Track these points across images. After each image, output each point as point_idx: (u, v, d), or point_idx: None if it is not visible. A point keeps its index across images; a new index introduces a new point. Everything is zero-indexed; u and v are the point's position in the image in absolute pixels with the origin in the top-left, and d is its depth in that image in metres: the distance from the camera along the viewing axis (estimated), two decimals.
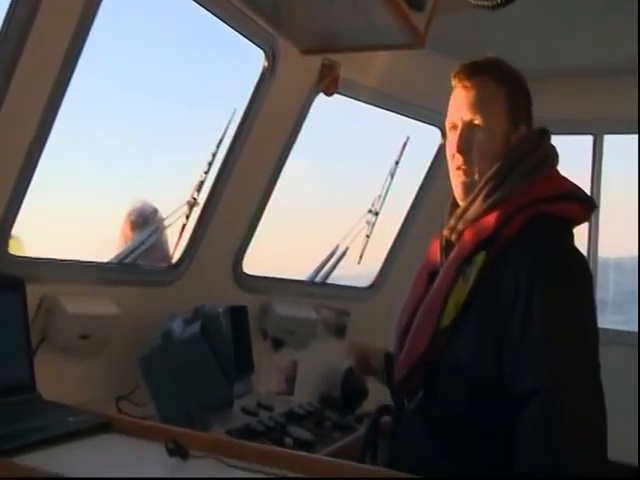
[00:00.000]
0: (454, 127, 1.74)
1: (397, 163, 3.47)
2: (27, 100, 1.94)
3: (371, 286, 3.70)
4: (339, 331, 3.45)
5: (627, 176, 3.63)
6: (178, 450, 1.50)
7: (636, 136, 3.38)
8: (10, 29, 1.83)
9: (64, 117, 2.03)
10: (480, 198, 1.67)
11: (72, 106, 2.07)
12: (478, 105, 1.70)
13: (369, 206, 3.48)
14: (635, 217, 3.39)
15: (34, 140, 1.97)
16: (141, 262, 2.66)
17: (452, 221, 1.73)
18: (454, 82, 1.74)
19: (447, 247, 1.76)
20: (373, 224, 3.47)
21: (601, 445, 1.47)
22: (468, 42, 2.97)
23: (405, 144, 3.48)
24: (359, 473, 1.48)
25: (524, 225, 1.61)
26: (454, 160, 1.74)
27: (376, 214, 3.47)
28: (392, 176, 3.47)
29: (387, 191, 3.47)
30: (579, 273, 1.62)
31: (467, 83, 1.71)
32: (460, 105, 1.72)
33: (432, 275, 1.79)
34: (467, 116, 1.70)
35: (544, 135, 1.77)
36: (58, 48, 1.95)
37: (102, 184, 2.81)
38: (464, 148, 1.70)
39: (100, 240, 2.75)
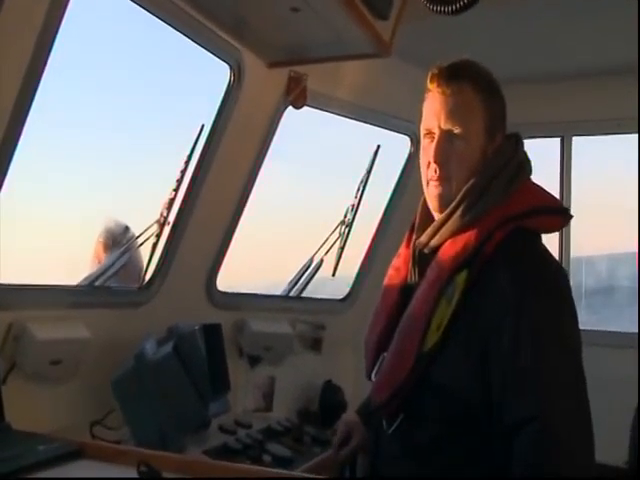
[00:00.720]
0: (429, 134, 1.67)
1: (368, 172, 3.44)
2: None
3: (345, 298, 3.68)
4: (315, 345, 3.42)
5: (594, 176, 3.69)
6: (150, 473, 1.47)
7: (602, 137, 3.44)
8: None
9: (28, 138, 2.00)
10: (458, 212, 1.62)
11: (35, 126, 2.04)
12: (457, 113, 1.63)
13: (341, 217, 3.47)
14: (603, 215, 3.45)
15: None
16: (114, 283, 2.62)
17: (427, 234, 1.68)
18: (431, 86, 1.67)
19: (420, 258, 1.71)
20: (347, 235, 3.45)
21: (589, 461, 1.47)
22: (435, 50, 2.95)
23: (376, 152, 3.46)
24: None
25: (504, 240, 1.58)
26: (429, 170, 1.67)
27: (349, 225, 3.46)
28: (364, 186, 3.44)
29: (359, 201, 3.45)
30: (562, 288, 1.61)
31: (446, 89, 1.64)
32: (438, 112, 1.65)
33: (405, 289, 1.75)
34: (446, 124, 1.63)
35: (517, 143, 1.73)
36: (18, 70, 1.91)
37: (70, 203, 2.77)
38: (441, 159, 1.64)
39: (71, 262, 2.70)
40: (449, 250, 1.62)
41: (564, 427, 1.44)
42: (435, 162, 1.64)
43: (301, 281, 3.40)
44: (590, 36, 2.91)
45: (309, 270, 3.40)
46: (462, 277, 1.56)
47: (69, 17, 1.97)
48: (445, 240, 1.64)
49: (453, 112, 1.64)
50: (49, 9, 1.91)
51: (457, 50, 2.76)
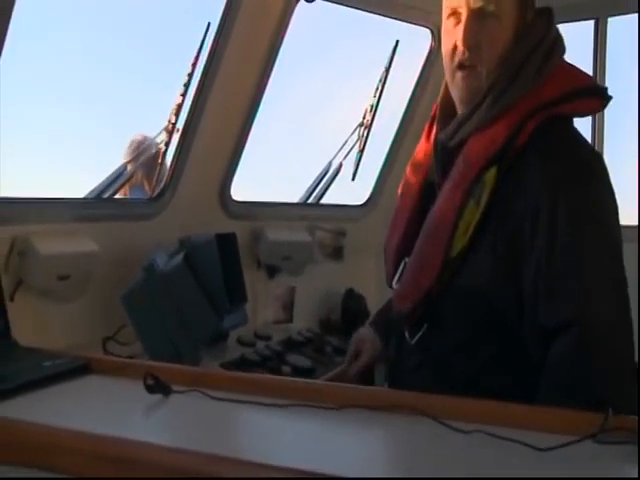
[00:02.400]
0: (455, 14, 1.51)
1: (387, 70, 3.26)
2: None
3: (366, 203, 3.57)
4: (336, 253, 3.34)
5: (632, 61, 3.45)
6: (159, 386, 1.41)
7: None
8: None
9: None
10: (487, 103, 1.49)
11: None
12: None
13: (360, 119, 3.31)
14: None
15: None
16: (139, 195, 2.53)
17: (451, 127, 1.55)
18: None
19: (443, 154, 1.59)
20: (365, 138, 3.30)
21: (633, 362, 1.40)
22: None
23: (395, 48, 3.26)
24: (348, 394, 1.39)
25: (536, 130, 1.45)
26: (455, 55, 1.52)
27: (368, 127, 3.30)
28: (383, 84, 3.27)
29: (378, 101, 3.29)
30: (601, 167, 1.49)
31: None
32: None
33: (426, 188, 1.63)
34: (476, 2, 1.47)
35: (549, 19, 1.56)
36: None
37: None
38: (472, 42, 1.49)
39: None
40: (476, 145, 1.49)
41: (606, 332, 1.36)
42: (464, 45, 1.49)
43: (320, 187, 3.28)
44: None
45: (327, 175, 3.28)
46: (491, 175, 1.44)
47: None
48: (471, 133, 1.51)
49: None
50: None
51: None
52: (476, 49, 1.49)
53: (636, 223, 3.02)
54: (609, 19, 3.31)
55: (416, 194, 1.66)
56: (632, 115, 3.26)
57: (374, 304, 3.19)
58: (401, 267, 1.65)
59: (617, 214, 1.48)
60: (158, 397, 1.39)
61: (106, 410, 1.42)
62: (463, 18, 1.49)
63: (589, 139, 3.29)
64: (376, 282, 3.38)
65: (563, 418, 1.19)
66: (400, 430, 1.26)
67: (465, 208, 1.46)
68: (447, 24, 1.54)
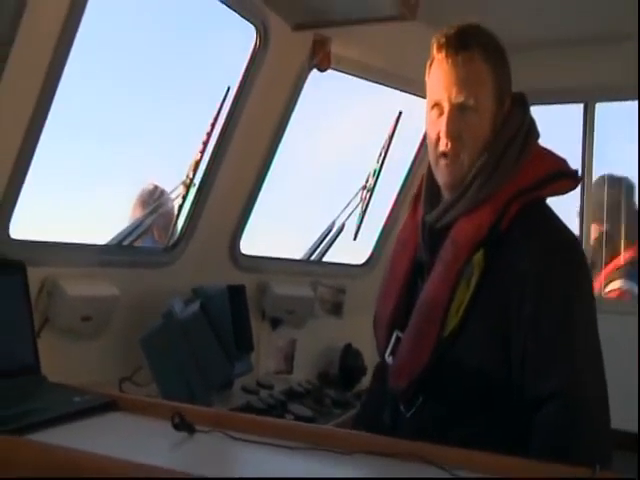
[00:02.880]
0: (438, 106, 1.61)
1: (390, 138, 3.45)
2: (26, 77, 1.92)
3: (366, 263, 3.71)
4: (336, 308, 3.46)
5: (619, 144, 3.65)
6: (184, 425, 1.50)
7: (628, 102, 3.39)
8: None
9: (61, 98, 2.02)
10: (472, 190, 1.60)
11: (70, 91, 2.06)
12: (468, 84, 1.57)
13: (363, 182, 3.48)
14: None
15: (34, 116, 1.96)
16: (147, 244, 2.65)
17: (438, 210, 1.66)
18: (439, 55, 1.61)
19: (431, 235, 1.68)
20: (368, 200, 3.47)
21: (610, 437, 1.50)
22: (459, 13, 2.96)
23: (398, 118, 3.46)
24: (361, 441, 1.48)
25: (519, 214, 1.57)
26: (438, 145, 1.61)
27: (370, 190, 3.47)
28: (386, 151, 3.45)
29: (381, 166, 3.46)
30: (578, 255, 1.61)
31: (455, 58, 1.58)
32: (448, 83, 1.59)
33: (414, 264, 1.73)
34: (457, 97, 1.58)
35: (524, 105, 1.69)
36: (49, 41, 1.93)
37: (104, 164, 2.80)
38: (454, 134, 1.59)
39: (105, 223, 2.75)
40: (464, 229, 1.60)
41: (588, 403, 1.47)
42: (447, 137, 1.59)
43: (322, 245, 3.43)
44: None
45: (330, 234, 3.43)
46: (480, 256, 1.54)
47: None
48: (458, 217, 1.62)
49: (464, 83, 1.58)
50: None
51: (480, 14, 2.75)
52: (458, 140, 1.59)
53: None
54: (597, 104, 3.51)
55: (405, 269, 1.74)
56: None
57: (371, 360, 3.31)
58: (393, 339, 1.72)
59: (592, 292, 1.61)
60: (183, 435, 1.48)
61: (133, 443, 1.51)
62: (445, 111, 1.59)
63: None
64: (373, 339, 3.49)
65: (559, 471, 1.27)
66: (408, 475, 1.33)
67: (456, 289, 1.56)
68: (431, 114, 1.64)
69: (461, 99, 1.58)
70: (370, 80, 3.36)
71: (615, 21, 3.09)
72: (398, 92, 3.48)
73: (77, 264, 2.30)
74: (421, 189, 1.77)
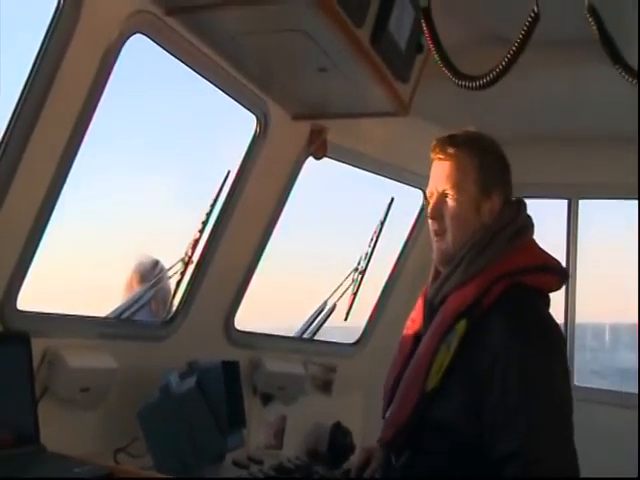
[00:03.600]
0: (430, 196, 1.90)
1: (382, 223, 3.59)
2: (41, 159, 2.03)
3: (357, 342, 3.79)
4: (326, 387, 3.51)
5: (602, 241, 3.78)
6: None
7: (610, 201, 3.54)
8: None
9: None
10: (462, 266, 1.81)
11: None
12: (450, 176, 1.85)
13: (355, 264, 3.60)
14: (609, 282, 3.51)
15: (45, 198, 2.07)
16: (146, 315, 2.73)
17: (435, 287, 1.88)
18: (432, 155, 1.91)
19: (430, 311, 1.89)
20: (359, 282, 3.58)
21: None
22: (450, 109, 3.14)
23: (390, 204, 3.62)
24: None
25: (502, 294, 1.75)
26: (431, 226, 1.89)
27: (362, 272, 3.58)
28: (377, 235, 3.59)
29: (372, 250, 3.59)
30: (553, 343, 1.76)
31: (441, 155, 1.88)
32: (435, 176, 1.89)
33: (417, 338, 1.91)
34: (440, 186, 1.86)
35: (520, 206, 1.91)
36: (71, 112, 2.06)
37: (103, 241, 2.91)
38: (436, 215, 1.87)
39: (104, 294, 2.83)
40: (452, 301, 1.80)
41: (547, 465, 1.58)
42: (431, 218, 1.88)
43: (314, 324, 3.51)
44: (602, 101, 3.05)
45: (322, 314, 3.52)
46: (461, 325, 1.73)
47: None
48: (450, 292, 1.82)
49: (446, 175, 1.86)
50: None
51: (472, 110, 2.92)
52: (440, 220, 1.87)
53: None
54: (580, 201, 3.68)
55: (410, 343, 1.94)
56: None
57: (360, 438, 3.36)
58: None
59: (567, 379, 1.75)
60: None
61: None
62: (433, 198, 1.90)
63: None
64: (362, 417, 3.56)
65: None
66: None
67: (439, 352, 1.74)
68: (428, 204, 1.93)
69: (442, 187, 1.86)
70: (364, 169, 3.51)
71: (602, 122, 3.27)
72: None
73: (78, 336, 2.38)
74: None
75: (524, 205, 1.93)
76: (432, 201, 1.89)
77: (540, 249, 1.88)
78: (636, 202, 3.46)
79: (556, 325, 1.82)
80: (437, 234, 1.87)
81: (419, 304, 2.01)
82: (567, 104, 3.16)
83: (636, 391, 3.31)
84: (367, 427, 3.46)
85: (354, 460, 2.18)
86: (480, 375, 1.68)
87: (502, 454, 1.61)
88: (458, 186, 1.84)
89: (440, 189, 1.86)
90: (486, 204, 1.86)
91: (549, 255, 1.88)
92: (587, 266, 3.52)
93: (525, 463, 1.58)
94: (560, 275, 1.89)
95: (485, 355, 1.68)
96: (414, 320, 1.99)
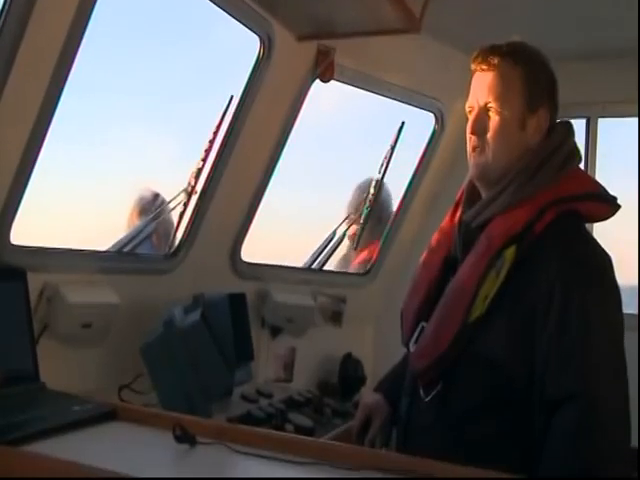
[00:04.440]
0: (471, 110, 1.75)
1: (392, 148, 3.46)
2: (27, 90, 1.91)
3: (367, 272, 3.70)
4: (336, 318, 3.46)
5: (621, 161, 3.64)
6: (185, 437, 1.50)
7: (631, 119, 3.39)
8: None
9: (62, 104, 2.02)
10: (511, 189, 1.67)
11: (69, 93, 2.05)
12: (493, 88, 1.70)
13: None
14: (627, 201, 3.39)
15: (35, 126, 1.95)
16: (147, 249, 2.65)
17: (476, 208, 1.74)
18: (473, 66, 1.75)
19: (467, 233, 1.76)
20: (369, 210, 3.47)
21: (628, 443, 1.52)
22: (463, 27, 3.00)
23: (400, 129, 3.46)
24: (365, 456, 1.50)
25: (554, 221, 1.62)
26: (470, 142, 1.75)
27: (372, 200, 3.47)
28: (388, 162, 3.46)
29: (383, 176, 3.47)
30: (610, 278, 1.64)
31: (484, 66, 1.72)
32: (476, 88, 1.74)
33: (449, 260, 1.79)
34: (482, 99, 1.72)
35: (570, 129, 1.78)
36: (56, 39, 1.92)
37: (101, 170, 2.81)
38: (478, 130, 1.72)
39: (102, 228, 2.75)
40: (499, 225, 1.66)
41: (607, 409, 1.49)
42: (471, 133, 1.74)
43: (323, 254, 3.43)
44: (621, 15, 2.88)
45: (331, 243, 3.43)
46: (511, 252, 1.60)
47: None
48: (495, 215, 1.69)
49: (489, 86, 1.71)
50: None
51: (486, 28, 2.76)
52: (482, 136, 1.72)
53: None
54: (600, 119, 3.53)
55: (437, 266, 1.81)
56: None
57: (371, 370, 3.32)
58: (418, 330, 1.77)
59: (620, 312, 1.62)
60: (184, 447, 1.48)
61: (134, 455, 1.51)
62: (474, 112, 1.75)
63: None
64: (373, 348, 3.52)
65: None
66: None
67: (486, 278, 1.61)
68: (469, 118, 1.77)
69: (484, 100, 1.71)
70: (373, 92, 3.35)
71: (620, 38, 3.10)
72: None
73: (77, 270, 2.30)
74: (461, 195, 1.86)
75: (572, 128, 1.79)
76: (473, 115, 1.73)
77: (591, 177, 1.78)
78: None
79: (609, 257, 1.69)
80: (475, 149, 1.73)
81: (447, 226, 1.86)
82: (585, 17, 2.98)
83: None
84: (378, 358, 3.43)
85: (353, 421, 2.02)
86: (533, 307, 1.55)
87: (559, 394, 1.50)
88: (502, 98, 1.69)
89: (482, 102, 1.71)
90: (532, 120, 1.71)
91: (599, 182, 1.76)
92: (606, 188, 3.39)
93: (585, 406, 1.47)
94: (612, 204, 1.74)
95: (540, 287, 1.56)
96: (440, 242, 1.86)
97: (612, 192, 1.74)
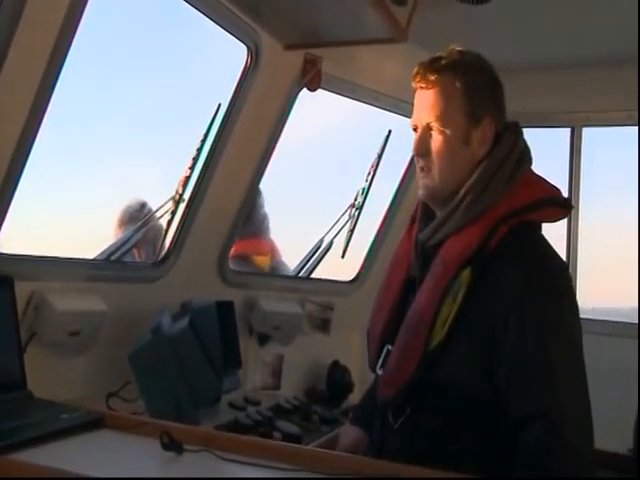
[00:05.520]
0: (415, 129, 1.72)
1: (379, 156, 3.47)
2: (16, 94, 1.92)
3: (354, 280, 3.72)
4: (323, 325, 3.47)
5: (606, 170, 3.68)
6: (173, 444, 1.50)
7: (615, 128, 3.44)
8: None
9: (52, 112, 2.03)
10: (462, 207, 1.65)
11: (59, 100, 2.06)
12: (433, 106, 1.67)
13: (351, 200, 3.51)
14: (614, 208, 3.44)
15: (22, 136, 1.96)
16: (131, 258, 2.66)
17: (430, 228, 1.71)
18: (413, 83, 1.71)
19: (423, 252, 1.74)
20: (357, 218, 3.49)
21: (592, 446, 1.53)
22: (450, 36, 3.00)
23: (387, 137, 3.49)
24: (351, 463, 1.50)
25: (507, 235, 1.61)
26: (417, 162, 1.72)
27: (359, 208, 3.49)
28: (375, 170, 3.48)
29: (370, 184, 3.49)
30: (564, 283, 1.64)
31: (423, 84, 1.69)
32: (418, 107, 1.71)
33: (407, 281, 1.78)
34: (424, 119, 1.68)
35: (517, 132, 1.74)
36: (46, 41, 1.93)
37: (89, 180, 2.81)
38: (421, 151, 1.69)
39: (90, 237, 2.76)
40: (454, 246, 1.64)
41: (571, 425, 1.49)
42: (415, 154, 1.71)
43: (311, 262, 3.44)
44: (604, 25, 2.92)
45: (319, 251, 3.44)
46: (466, 274, 1.59)
47: None
48: (449, 235, 1.67)
49: (430, 106, 1.68)
50: None
51: (471, 37, 2.78)
52: (426, 156, 1.68)
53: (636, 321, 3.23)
54: (584, 129, 3.56)
55: (398, 286, 1.80)
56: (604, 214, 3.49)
57: (358, 377, 3.33)
58: (384, 353, 1.77)
59: (577, 320, 1.61)
60: (171, 455, 1.49)
61: (121, 463, 1.51)
62: (417, 132, 1.71)
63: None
64: (361, 356, 3.47)
65: None
66: None
67: (443, 304, 1.60)
68: (414, 137, 1.74)
69: (426, 119, 1.68)
70: (360, 101, 3.37)
71: (604, 47, 3.14)
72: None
73: (65, 278, 2.30)
74: (417, 210, 1.84)
75: (520, 130, 1.75)
76: (416, 136, 1.69)
77: (541, 179, 1.72)
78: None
79: (563, 263, 1.71)
80: (424, 170, 1.69)
81: (406, 243, 1.85)
82: (569, 28, 3.01)
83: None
84: (365, 365, 3.40)
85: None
86: (491, 327, 1.54)
87: (522, 414, 1.50)
88: (443, 117, 1.65)
89: (424, 122, 1.67)
90: (476, 133, 1.67)
91: (550, 185, 1.72)
92: (591, 198, 3.42)
93: (549, 424, 1.47)
94: (565, 207, 1.74)
95: (497, 305, 1.55)
96: (399, 260, 1.84)
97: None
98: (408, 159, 3.63)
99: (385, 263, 3.52)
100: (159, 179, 3.03)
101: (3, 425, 1.61)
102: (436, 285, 1.63)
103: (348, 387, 3.31)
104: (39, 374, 2.01)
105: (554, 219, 1.74)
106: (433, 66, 1.68)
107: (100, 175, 2.87)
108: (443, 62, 1.69)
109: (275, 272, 3.51)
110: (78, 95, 2.52)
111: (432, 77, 1.67)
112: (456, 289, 1.59)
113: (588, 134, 3.56)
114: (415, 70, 1.70)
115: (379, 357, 1.78)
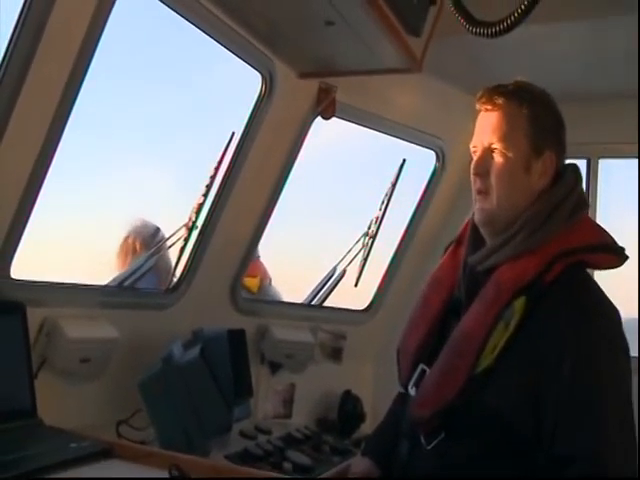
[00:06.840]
0: (475, 150, 1.72)
1: (393, 185, 3.47)
2: (31, 124, 1.93)
3: (367, 309, 3.69)
4: (335, 354, 3.44)
5: (622, 202, 3.65)
6: (181, 477, 1.49)
7: (630, 160, 3.41)
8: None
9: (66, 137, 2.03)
10: (519, 237, 1.64)
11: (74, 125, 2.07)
12: (497, 128, 1.68)
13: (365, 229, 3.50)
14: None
15: (38, 161, 1.96)
16: (146, 284, 2.66)
17: (483, 252, 1.70)
18: (477, 106, 1.73)
19: (471, 276, 1.73)
20: (370, 247, 3.47)
21: None
22: (465, 67, 3.02)
23: (402, 166, 3.48)
24: None
25: (563, 272, 1.59)
26: (474, 184, 1.72)
27: (372, 237, 3.48)
28: (389, 198, 3.47)
29: (384, 213, 3.48)
30: (618, 329, 1.61)
31: (488, 106, 1.70)
32: (481, 128, 1.72)
33: (448, 302, 1.77)
34: (486, 140, 1.69)
35: (578, 173, 1.75)
36: (63, 69, 1.94)
37: (100, 205, 2.83)
38: (481, 171, 1.69)
39: (99, 262, 2.76)
40: (508, 274, 1.63)
41: (617, 470, 1.46)
42: (475, 174, 1.71)
43: (323, 290, 3.42)
44: (623, 56, 2.91)
45: (332, 280, 3.42)
46: (521, 303, 1.57)
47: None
48: (503, 262, 1.65)
49: (494, 127, 1.68)
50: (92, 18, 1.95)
51: (487, 68, 2.78)
52: (485, 177, 1.69)
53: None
54: (600, 160, 3.53)
55: (438, 306, 1.78)
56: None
57: (370, 407, 3.30)
58: (417, 371, 1.74)
59: (629, 367, 1.59)
60: None
61: None
62: (478, 153, 1.72)
63: None
64: (373, 385, 3.49)
65: None
66: None
67: (494, 329, 1.57)
68: (473, 159, 1.74)
69: (488, 141, 1.69)
70: (374, 130, 3.37)
71: (619, 79, 3.13)
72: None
73: (77, 305, 2.30)
74: (464, 233, 1.84)
75: (580, 174, 1.75)
76: (477, 156, 1.70)
77: (600, 226, 1.72)
78: None
79: (617, 310, 1.66)
80: (480, 192, 1.69)
81: (448, 264, 1.84)
82: (586, 58, 3.00)
83: None
84: (377, 395, 3.40)
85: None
86: (543, 361, 1.52)
87: (568, 451, 1.47)
88: (506, 139, 1.66)
89: (486, 143, 1.68)
90: (537, 163, 1.67)
91: (607, 232, 1.71)
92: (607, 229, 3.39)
93: (596, 467, 1.45)
94: (620, 255, 1.70)
95: (548, 341, 1.53)
96: (441, 280, 1.82)
97: (612, 231, 1.72)
98: (422, 189, 3.63)
99: (398, 293, 3.56)
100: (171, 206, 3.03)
101: (11, 455, 1.61)
102: (487, 310, 1.61)
103: (360, 417, 3.27)
104: (50, 401, 2.01)
105: (608, 267, 1.72)
106: (500, 90, 1.70)
107: (114, 198, 2.89)
108: (511, 88, 1.71)
109: (264, 295, 3.49)
110: (95, 121, 2.54)
111: (499, 100, 1.68)
112: (509, 316, 1.57)
113: (604, 166, 3.53)
114: (480, 93, 1.72)
115: (411, 374, 1.76)
